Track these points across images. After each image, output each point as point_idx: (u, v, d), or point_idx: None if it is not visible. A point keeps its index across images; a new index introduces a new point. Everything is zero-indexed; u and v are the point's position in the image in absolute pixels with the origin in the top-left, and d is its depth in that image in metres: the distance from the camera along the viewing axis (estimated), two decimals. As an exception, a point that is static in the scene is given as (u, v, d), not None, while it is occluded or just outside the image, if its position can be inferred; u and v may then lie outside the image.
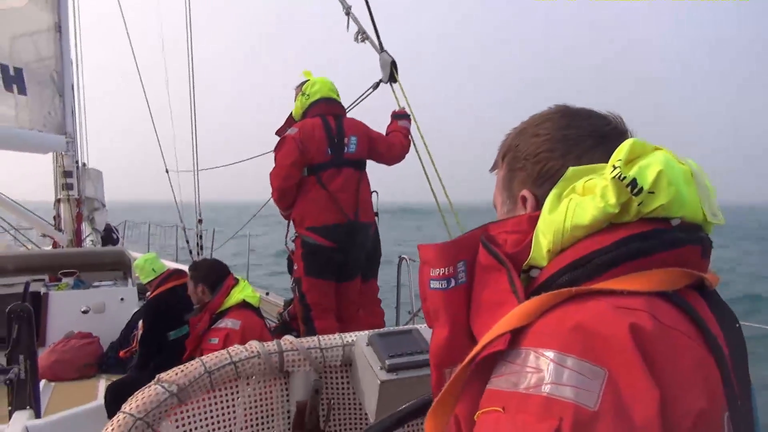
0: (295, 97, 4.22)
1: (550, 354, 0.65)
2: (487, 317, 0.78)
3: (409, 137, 4.27)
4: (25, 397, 3.17)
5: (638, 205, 0.74)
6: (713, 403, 0.66)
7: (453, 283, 0.83)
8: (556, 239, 0.77)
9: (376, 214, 4.27)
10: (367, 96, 4.61)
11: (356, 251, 4.05)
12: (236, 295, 3.81)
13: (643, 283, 0.71)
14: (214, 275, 3.90)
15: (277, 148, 4.04)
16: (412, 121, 4.30)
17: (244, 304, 3.80)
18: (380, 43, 4.44)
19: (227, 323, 3.67)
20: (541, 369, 0.65)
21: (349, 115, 4.31)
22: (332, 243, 3.93)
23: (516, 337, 0.70)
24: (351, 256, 4.03)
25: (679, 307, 0.71)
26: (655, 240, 0.74)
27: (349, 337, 1.54)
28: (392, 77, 4.32)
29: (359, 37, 4.57)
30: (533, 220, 0.82)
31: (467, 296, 0.84)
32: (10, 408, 3.18)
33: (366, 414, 1.47)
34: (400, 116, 4.32)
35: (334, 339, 1.54)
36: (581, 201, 0.77)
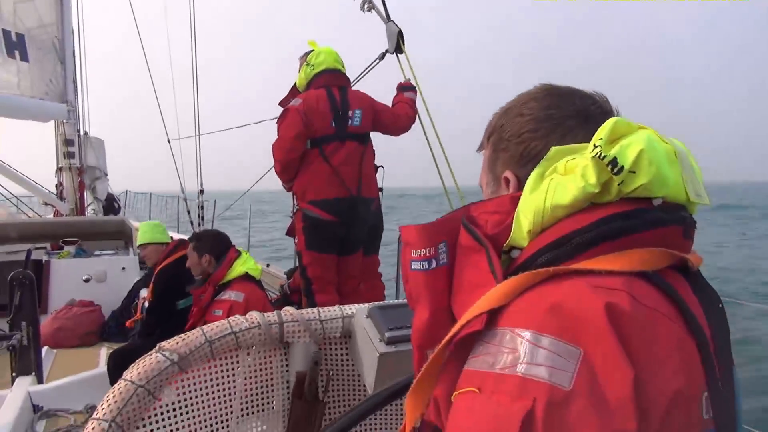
0: (300, 68, 4.14)
1: (526, 334, 0.65)
2: (467, 298, 0.77)
3: (415, 108, 4.24)
4: (28, 363, 3.21)
5: (619, 184, 0.73)
6: (691, 384, 0.66)
7: (434, 264, 0.83)
8: (537, 219, 0.76)
9: (380, 189, 4.23)
10: (373, 67, 4.56)
11: (358, 226, 4.00)
12: (239, 268, 3.82)
13: (623, 262, 0.70)
14: (219, 246, 3.90)
15: (280, 120, 3.97)
16: (418, 94, 4.26)
17: (246, 277, 3.81)
18: (387, 13, 4.36)
19: (231, 295, 3.68)
20: (517, 349, 0.65)
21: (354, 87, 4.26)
22: (334, 217, 3.89)
23: (493, 317, 0.70)
24: (353, 230, 4.00)
25: (660, 288, 0.70)
26: (636, 219, 0.73)
27: (349, 309, 1.55)
28: (398, 48, 4.27)
29: (365, 6, 4.50)
30: (515, 201, 0.81)
31: (449, 277, 0.83)
32: (13, 374, 3.22)
33: (364, 385, 1.49)
34: (406, 88, 4.27)
35: (334, 311, 1.54)
36: (562, 180, 0.77)
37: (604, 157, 0.73)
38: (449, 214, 0.86)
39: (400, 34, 4.25)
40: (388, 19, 4.35)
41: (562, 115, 0.87)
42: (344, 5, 4.69)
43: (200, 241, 3.97)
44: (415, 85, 4.28)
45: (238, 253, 3.92)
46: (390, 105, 4.25)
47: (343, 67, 4.08)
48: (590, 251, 0.72)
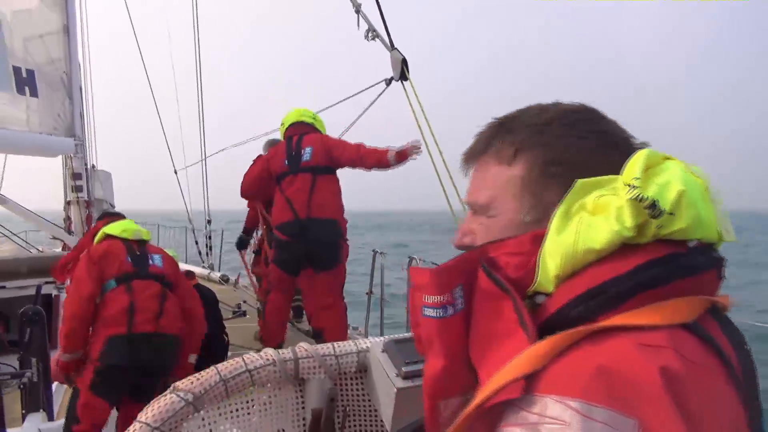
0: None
1: (574, 404, 0.58)
2: (491, 349, 0.72)
3: (387, 161, 4.59)
4: (38, 399, 3.18)
5: (657, 227, 0.68)
6: None
7: (450, 312, 0.76)
8: (566, 263, 0.70)
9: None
10: (381, 95, 4.72)
11: (317, 243, 4.68)
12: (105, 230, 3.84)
13: (664, 315, 0.65)
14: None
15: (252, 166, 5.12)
16: (426, 126, 4.30)
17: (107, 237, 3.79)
18: (391, 41, 4.47)
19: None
20: (565, 421, 0.58)
21: (367, 113, 5.01)
22: (288, 237, 4.75)
23: (529, 381, 0.63)
24: (312, 248, 4.70)
25: (700, 338, 0.67)
26: (672, 266, 0.68)
27: (364, 343, 1.53)
28: (403, 75, 4.33)
29: (369, 35, 4.60)
30: (537, 240, 0.74)
31: (465, 322, 0.76)
32: (23, 411, 3.19)
33: (382, 421, 1.46)
34: (398, 151, 4.57)
35: (349, 345, 1.52)
36: (593, 222, 0.70)
37: (644, 198, 0.67)
38: (464, 254, 0.79)
39: (404, 61, 4.32)
40: (392, 47, 4.42)
41: (614, 141, 0.80)
42: (350, 34, 4.89)
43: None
44: (419, 125, 4.32)
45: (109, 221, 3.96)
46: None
47: (309, 117, 4.99)
48: (627, 303, 0.67)
